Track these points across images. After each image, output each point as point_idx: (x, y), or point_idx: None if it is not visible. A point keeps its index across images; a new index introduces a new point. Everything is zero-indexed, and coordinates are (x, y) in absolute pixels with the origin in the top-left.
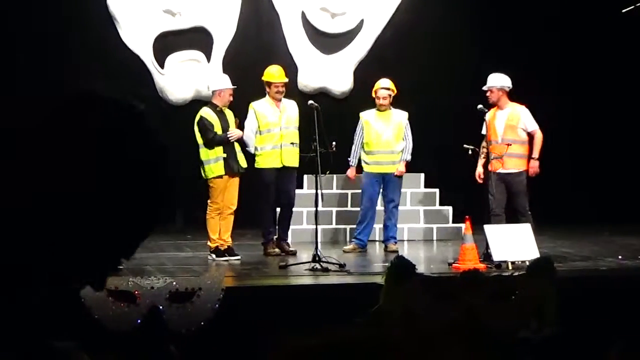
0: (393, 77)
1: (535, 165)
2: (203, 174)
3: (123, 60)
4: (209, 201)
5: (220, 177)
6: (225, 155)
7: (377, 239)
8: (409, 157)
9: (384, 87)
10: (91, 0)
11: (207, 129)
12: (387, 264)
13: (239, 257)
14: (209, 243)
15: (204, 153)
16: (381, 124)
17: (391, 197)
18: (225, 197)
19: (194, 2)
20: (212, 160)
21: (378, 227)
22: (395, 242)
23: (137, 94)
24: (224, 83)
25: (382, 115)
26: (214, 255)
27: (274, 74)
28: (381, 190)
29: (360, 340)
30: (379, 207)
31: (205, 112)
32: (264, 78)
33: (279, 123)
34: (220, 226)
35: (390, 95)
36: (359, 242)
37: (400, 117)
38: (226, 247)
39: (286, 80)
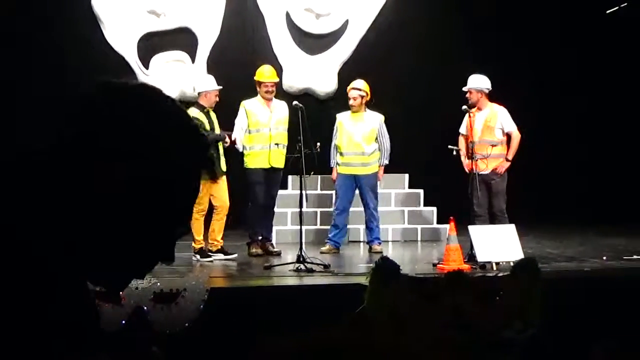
0: (377, 77)
1: (505, 165)
2: None
3: (107, 61)
4: None
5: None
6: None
7: (361, 239)
8: (385, 161)
9: (355, 87)
10: (75, 0)
11: (203, 129)
12: (371, 265)
13: (235, 256)
14: (193, 244)
15: None
16: (353, 125)
17: (366, 200)
18: (219, 197)
19: (178, 2)
20: None
21: (362, 227)
22: (380, 243)
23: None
24: (210, 84)
25: (355, 117)
26: (198, 256)
27: (264, 73)
28: (357, 192)
29: (342, 341)
30: (359, 208)
31: (195, 113)
32: (255, 77)
33: (268, 123)
34: (214, 226)
35: (361, 97)
36: (334, 243)
37: (373, 120)
38: (219, 247)
39: (277, 80)
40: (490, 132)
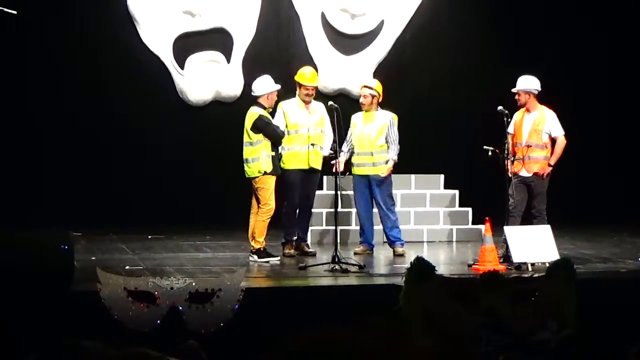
0: (413, 78)
1: (547, 170)
2: (249, 172)
3: (143, 61)
4: (260, 204)
5: (268, 173)
6: (273, 153)
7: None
8: (394, 157)
9: (366, 85)
10: (111, 0)
11: (272, 125)
12: (407, 265)
13: (278, 257)
14: (252, 244)
15: (253, 151)
16: (364, 126)
17: (378, 201)
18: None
19: (213, 3)
20: (264, 156)
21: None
22: (402, 245)
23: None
24: (271, 86)
25: (367, 116)
26: (255, 257)
27: (306, 75)
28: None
29: (373, 340)
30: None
31: (261, 111)
32: (297, 78)
33: (307, 124)
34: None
35: (372, 96)
36: (367, 244)
37: (383, 119)
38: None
39: (317, 84)
40: (537, 135)
